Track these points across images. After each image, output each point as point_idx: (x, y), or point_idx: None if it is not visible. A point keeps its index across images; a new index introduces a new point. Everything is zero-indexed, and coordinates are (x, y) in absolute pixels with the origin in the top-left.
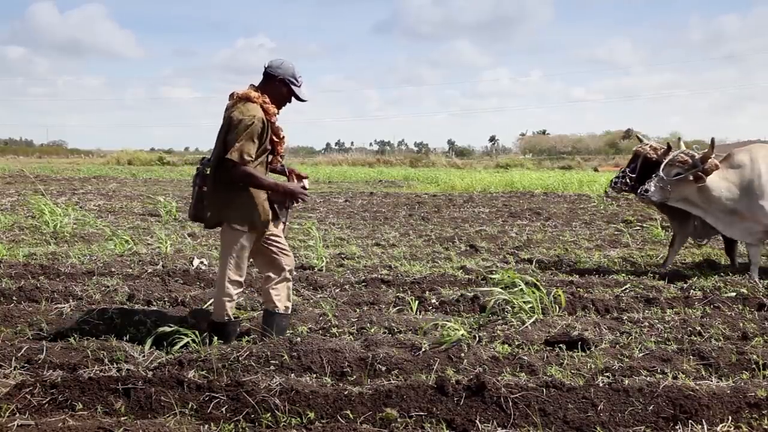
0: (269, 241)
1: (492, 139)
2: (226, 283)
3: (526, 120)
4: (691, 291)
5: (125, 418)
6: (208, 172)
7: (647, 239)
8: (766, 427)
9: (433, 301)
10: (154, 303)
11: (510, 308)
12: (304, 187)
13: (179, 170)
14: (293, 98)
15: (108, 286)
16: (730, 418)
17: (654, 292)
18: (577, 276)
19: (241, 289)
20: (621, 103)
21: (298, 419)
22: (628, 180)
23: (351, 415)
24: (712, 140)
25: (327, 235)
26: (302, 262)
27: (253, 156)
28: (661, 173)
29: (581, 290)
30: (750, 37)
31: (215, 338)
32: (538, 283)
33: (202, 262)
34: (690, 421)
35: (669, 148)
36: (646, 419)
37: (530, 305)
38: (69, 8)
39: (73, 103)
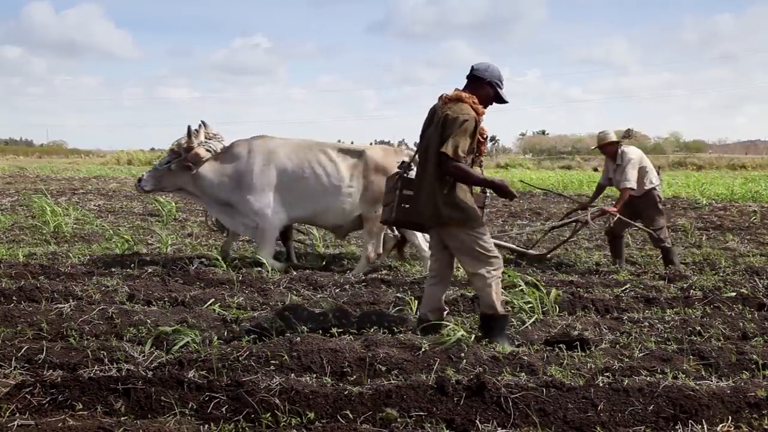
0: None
1: (492, 138)
2: (485, 275)
3: (524, 120)
4: (691, 291)
5: (125, 418)
6: (408, 176)
7: (647, 239)
8: (766, 427)
9: None
10: (154, 303)
11: (510, 308)
12: None
13: None
14: (495, 100)
15: (108, 286)
16: (730, 418)
17: (654, 292)
18: (577, 276)
19: (501, 269)
20: (619, 103)
21: (298, 419)
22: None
23: (351, 415)
24: (189, 128)
25: (327, 235)
26: (303, 262)
27: (466, 152)
28: (156, 163)
29: (581, 290)
30: (745, 37)
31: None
32: (538, 283)
33: (202, 262)
34: (690, 421)
35: (189, 134)
36: (646, 419)
37: (530, 305)
38: (65, 8)
39: (71, 103)
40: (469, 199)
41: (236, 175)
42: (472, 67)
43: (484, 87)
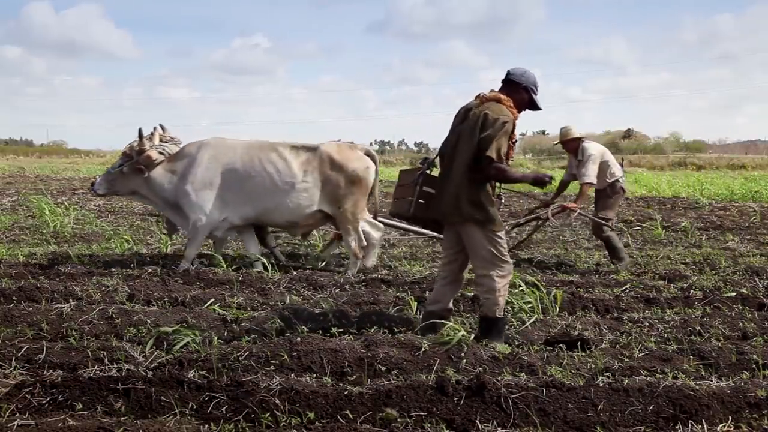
0: None
1: None
2: (494, 278)
3: (524, 120)
4: (691, 291)
5: (125, 418)
6: (430, 173)
7: (647, 239)
8: (766, 427)
9: None
10: (154, 303)
11: (510, 308)
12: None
13: None
14: (529, 106)
15: (108, 286)
16: (730, 418)
17: (654, 292)
18: (577, 276)
19: (510, 276)
20: (618, 103)
21: (298, 419)
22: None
23: (351, 415)
24: (140, 131)
25: (327, 235)
26: (303, 262)
27: (504, 154)
28: (109, 167)
29: (581, 290)
30: (745, 37)
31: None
32: (538, 283)
33: (202, 262)
34: (690, 421)
35: (140, 136)
36: (646, 419)
37: (530, 305)
38: (65, 8)
39: (71, 103)
40: (492, 201)
41: (182, 173)
42: (508, 71)
43: (519, 92)
